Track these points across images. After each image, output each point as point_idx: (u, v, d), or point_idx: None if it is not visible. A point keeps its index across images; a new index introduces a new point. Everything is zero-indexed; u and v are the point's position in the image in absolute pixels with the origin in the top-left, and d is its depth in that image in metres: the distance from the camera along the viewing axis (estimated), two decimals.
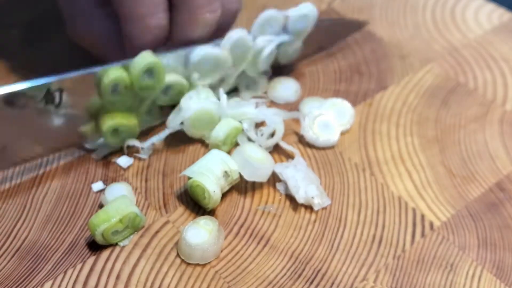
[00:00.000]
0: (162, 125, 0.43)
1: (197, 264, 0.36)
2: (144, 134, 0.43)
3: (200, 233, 0.36)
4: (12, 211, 0.38)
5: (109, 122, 0.40)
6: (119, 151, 0.42)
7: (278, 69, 0.49)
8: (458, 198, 0.41)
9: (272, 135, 0.43)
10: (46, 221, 0.38)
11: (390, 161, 0.43)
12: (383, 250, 0.37)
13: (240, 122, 0.43)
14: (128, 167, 0.41)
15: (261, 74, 0.47)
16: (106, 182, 0.40)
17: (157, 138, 0.42)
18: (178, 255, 0.36)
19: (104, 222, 0.35)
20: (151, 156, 0.42)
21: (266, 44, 0.44)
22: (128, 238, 0.37)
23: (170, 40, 0.43)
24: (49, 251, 0.36)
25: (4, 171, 0.41)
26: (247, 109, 0.43)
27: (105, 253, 0.36)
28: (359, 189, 0.41)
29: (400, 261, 0.37)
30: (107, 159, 0.42)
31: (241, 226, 0.38)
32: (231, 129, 0.42)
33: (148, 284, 0.35)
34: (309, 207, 0.39)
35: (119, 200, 0.36)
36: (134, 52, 0.40)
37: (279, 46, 0.46)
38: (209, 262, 0.36)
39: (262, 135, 0.42)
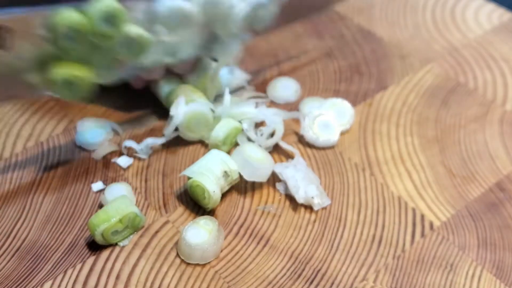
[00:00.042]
0: (159, 125, 0.43)
1: (197, 264, 0.36)
2: (143, 135, 0.43)
3: (200, 233, 0.36)
4: (12, 211, 0.38)
5: (61, 71, 0.36)
6: (119, 151, 0.42)
7: (278, 69, 0.49)
8: (458, 198, 0.41)
9: (272, 135, 0.43)
10: (46, 221, 0.38)
11: (390, 161, 0.43)
12: (383, 250, 0.37)
13: (240, 122, 0.43)
14: (128, 167, 0.41)
15: (235, 37, 0.44)
16: (106, 182, 0.40)
17: (153, 141, 0.42)
18: (178, 255, 0.36)
19: (104, 222, 0.35)
20: (151, 156, 0.42)
21: (240, 4, 0.41)
22: (128, 238, 0.37)
23: None
24: (49, 251, 0.36)
25: (4, 171, 0.41)
26: (247, 109, 0.43)
27: (105, 253, 0.36)
28: (359, 189, 0.41)
29: (400, 261, 0.37)
30: (107, 159, 0.42)
31: (241, 226, 0.38)
32: (231, 129, 0.42)
33: (148, 284, 0.35)
34: (309, 207, 0.39)
35: (119, 200, 0.36)
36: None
37: (255, 9, 0.43)
38: (209, 262, 0.36)
39: (262, 135, 0.42)
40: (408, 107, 0.47)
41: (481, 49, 0.53)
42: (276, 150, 0.43)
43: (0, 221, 0.38)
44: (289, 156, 0.43)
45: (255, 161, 0.39)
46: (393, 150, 0.44)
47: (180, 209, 0.39)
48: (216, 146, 0.41)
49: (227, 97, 0.42)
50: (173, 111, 0.41)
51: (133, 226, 0.37)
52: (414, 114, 0.46)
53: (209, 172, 0.38)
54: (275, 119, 0.42)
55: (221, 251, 0.37)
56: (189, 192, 0.39)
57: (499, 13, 0.56)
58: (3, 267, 0.35)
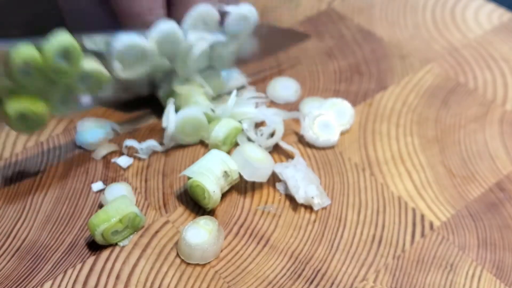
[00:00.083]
0: (159, 124, 0.43)
1: (197, 264, 0.36)
2: (143, 134, 0.43)
3: (200, 233, 0.36)
4: (12, 211, 0.38)
5: (16, 106, 0.36)
6: (119, 151, 0.42)
7: (278, 69, 0.49)
8: (458, 198, 0.41)
9: (272, 135, 0.43)
10: (46, 221, 0.38)
11: (390, 161, 0.43)
12: (383, 250, 0.37)
13: (240, 122, 0.43)
14: (128, 167, 0.41)
15: (196, 74, 0.44)
16: (106, 182, 0.40)
17: (153, 144, 0.42)
18: (178, 255, 0.36)
19: (104, 222, 0.35)
20: (151, 156, 0.42)
21: (198, 42, 0.41)
22: (128, 238, 0.37)
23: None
24: (49, 251, 0.36)
25: (4, 171, 0.41)
26: (247, 109, 0.43)
27: (105, 253, 0.36)
28: (359, 189, 0.41)
29: (400, 261, 0.37)
30: (107, 159, 0.42)
31: (241, 226, 0.38)
32: (231, 129, 0.42)
33: (148, 284, 0.35)
34: (309, 207, 0.39)
35: (119, 200, 0.36)
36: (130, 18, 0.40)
37: (214, 47, 0.43)
38: (209, 262, 0.36)
39: (262, 135, 0.42)
40: (408, 107, 0.47)
41: (481, 49, 0.53)
42: (276, 150, 0.43)
43: (0, 221, 0.38)
44: (289, 156, 0.43)
45: (255, 161, 0.39)
46: (393, 150, 0.44)
47: (180, 209, 0.39)
48: (216, 146, 0.41)
49: (232, 98, 0.42)
50: (164, 122, 0.41)
51: (133, 226, 0.37)
52: (414, 114, 0.46)
53: (209, 172, 0.38)
54: (275, 119, 0.42)
55: (221, 251, 0.37)
56: (189, 192, 0.39)
57: (499, 13, 0.56)
58: (3, 267, 0.35)
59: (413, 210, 0.40)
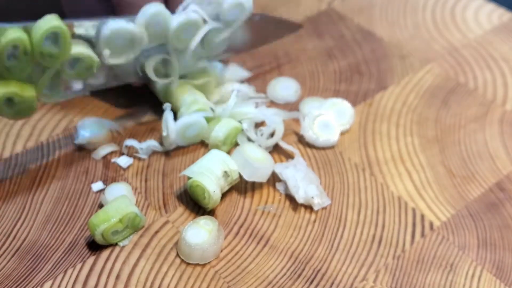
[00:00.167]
0: (160, 124, 0.43)
1: (197, 264, 0.36)
2: (143, 134, 0.43)
3: (200, 233, 0.36)
4: (12, 211, 0.38)
5: (3, 89, 0.35)
6: (119, 151, 0.42)
7: (278, 69, 0.49)
8: (458, 198, 0.41)
9: (272, 135, 0.43)
10: (46, 221, 0.38)
11: (390, 161, 0.43)
12: (383, 250, 0.37)
13: (240, 122, 0.43)
14: (128, 167, 0.41)
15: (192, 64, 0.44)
16: (106, 182, 0.40)
17: (153, 144, 0.42)
18: (178, 255, 0.36)
19: (104, 222, 0.35)
20: (151, 156, 0.42)
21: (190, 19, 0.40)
22: (128, 238, 0.37)
23: None
24: (49, 251, 0.36)
25: (4, 171, 0.41)
26: (247, 109, 0.43)
27: (105, 253, 0.36)
28: (359, 189, 0.41)
29: (400, 261, 0.37)
30: (107, 159, 0.42)
31: (241, 226, 0.38)
32: (231, 129, 0.42)
33: (148, 284, 0.35)
34: (309, 207, 0.39)
35: (119, 200, 0.36)
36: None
37: (206, 34, 0.42)
38: (209, 262, 0.36)
39: (262, 135, 0.42)
40: (408, 107, 0.47)
41: (481, 49, 0.53)
42: (276, 150, 0.43)
43: (0, 221, 0.38)
44: (289, 156, 0.43)
45: (255, 161, 0.39)
46: (393, 150, 0.44)
47: (180, 209, 0.39)
48: (216, 146, 0.41)
49: (232, 98, 0.42)
50: (164, 130, 0.41)
51: (133, 226, 0.37)
52: (414, 114, 0.46)
53: (209, 172, 0.38)
54: (275, 119, 0.42)
55: (221, 251, 0.37)
56: (189, 192, 0.39)
57: (499, 13, 0.56)
58: (3, 267, 0.35)
59: (413, 210, 0.40)
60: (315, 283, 0.35)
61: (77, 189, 0.40)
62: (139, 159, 0.42)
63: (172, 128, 0.41)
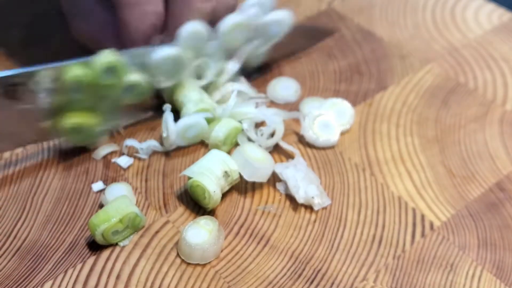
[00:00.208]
0: (160, 123, 0.43)
1: (197, 264, 0.36)
2: (143, 134, 0.43)
3: (200, 233, 0.36)
4: (12, 211, 0.38)
5: (70, 120, 0.40)
6: (119, 151, 0.42)
7: (278, 69, 0.49)
8: (458, 198, 0.41)
9: (272, 135, 0.43)
10: (46, 221, 0.38)
11: (390, 161, 0.43)
12: (383, 250, 0.37)
13: (240, 122, 0.43)
14: (128, 167, 0.41)
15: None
16: (106, 182, 0.40)
17: (154, 144, 0.42)
18: (178, 255, 0.36)
19: (104, 222, 0.35)
20: (151, 156, 0.42)
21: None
22: (128, 238, 0.37)
23: (166, 29, 0.43)
24: (49, 251, 0.36)
25: (4, 171, 0.41)
26: (247, 109, 0.43)
27: (105, 253, 0.36)
28: (359, 189, 0.41)
29: (400, 261, 0.37)
30: (107, 159, 0.42)
31: (241, 226, 0.38)
32: (231, 129, 0.42)
33: (148, 284, 0.35)
34: (309, 207, 0.39)
35: (119, 200, 0.36)
36: (129, 40, 0.41)
37: (246, 47, 0.45)
38: (209, 262, 0.36)
39: (262, 135, 0.42)
40: (408, 107, 0.47)
41: (481, 49, 0.53)
42: (276, 150, 0.43)
43: (1, 221, 0.38)
44: (289, 156, 0.43)
45: (255, 161, 0.39)
46: (393, 150, 0.44)
47: (180, 209, 0.39)
48: (216, 146, 0.41)
49: (232, 98, 0.43)
50: (164, 131, 0.41)
51: (133, 226, 0.37)
52: (414, 114, 0.46)
53: (209, 172, 0.38)
54: (275, 119, 0.42)
55: (221, 251, 0.37)
56: (189, 192, 0.39)
57: (499, 13, 0.56)
58: (4, 267, 0.35)
59: (413, 210, 0.40)
60: (315, 283, 0.35)
61: (77, 189, 0.40)
62: (139, 159, 0.42)
63: (172, 129, 0.41)
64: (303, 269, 0.36)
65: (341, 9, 0.56)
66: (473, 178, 0.42)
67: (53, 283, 0.35)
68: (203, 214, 0.39)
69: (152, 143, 0.42)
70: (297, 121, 0.45)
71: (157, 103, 0.44)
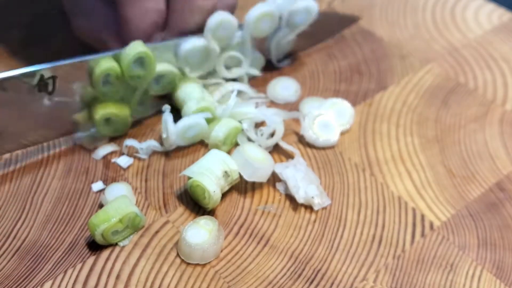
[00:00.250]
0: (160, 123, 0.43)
1: (197, 264, 0.36)
2: (143, 133, 0.43)
3: (200, 233, 0.36)
4: (12, 211, 0.38)
5: (101, 111, 0.41)
6: (119, 151, 0.42)
7: (278, 69, 0.49)
8: (458, 198, 0.41)
9: (272, 135, 0.43)
10: (46, 221, 0.38)
11: (390, 161, 0.43)
12: (383, 250, 0.37)
13: (240, 122, 0.43)
14: (128, 167, 0.41)
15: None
16: (106, 182, 0.40)
17: (154, 144, 0.42)
18: (178, 255, 0.36)
19: (104, 222, 0.35)
20: (151, 156, 0.42)
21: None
22: (128, 238, 0.37)
23: (167, 27, 0.43)
24: (49, 251, 0.36)
25: (4, 171, 0.41)
26: (247, 109, 0.43)
27: (105, 253, 0.36)
28: (359, 189, 0.41)
29: (400, 261, 0.37)
30: (107, 159, 0.42)
31: (241, 226, 0.38)
32: (231, 129, 0.42)
33: (148, 284, 0.35)
34: (309, 207, 0.39)
35: (119, 200, 0.36)
36: (131, 37, 0.41)
37: (273, 38, 0.47)
38: (209, 262, 0.36)
39: (262, 135, 0.42)
40: (408, 107, 0.47)
41: (481, 49, 0.53)
42: (276, 150, 0.43)
43: (0, 221, 0.38)
44: (289, 156, 0.43)
45: (255, 161, 0.39)
46: (393, 150, 0.44)
47: (180, 209, 0.39)
48: (216, 146, 0.41)
49: (232, 98, 0.43)
50: (164, 132, 0.41)
51: (133, 226, 0.37)
52: (414, 114, 0.46)
53: (209, 172, 0.38)
54: (275, 119, 0.42)
55: (221, 251, 0.37)
56: (189, 192, 0.39)
57: (499, 13, 0.56)
58: (4, 267, 0.35)
59: (413, 210, 0.40)
60: (315, 283, 0.35)
61: (77, 189, 0.40)
62: (139, 159, 0.42)
63: (171, 129, 0.41)
64: (303, 269, 0.36)
65: (341, 9, 0.56)
66: (473, 178, 0.42)
67: (52, 283, 0.35)
68: (203, 214, 0.39)
69: (152, 143, 0.42)
70: (297, 121, 0.45)
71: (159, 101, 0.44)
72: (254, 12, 0.44)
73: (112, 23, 0.43)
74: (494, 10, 0.57)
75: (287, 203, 0.40)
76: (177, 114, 0.43)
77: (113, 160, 0.42)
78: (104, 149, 0.42)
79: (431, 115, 0.46)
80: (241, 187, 0.40)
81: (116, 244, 0.37)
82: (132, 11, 0.41)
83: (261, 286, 0.35)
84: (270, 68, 0.49)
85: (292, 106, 0.46)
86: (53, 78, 0.39)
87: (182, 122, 0.41)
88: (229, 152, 0.41)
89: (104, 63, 0.39)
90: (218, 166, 0.38)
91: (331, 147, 0.43)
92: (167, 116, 0.41)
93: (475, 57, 0.52)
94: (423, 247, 0.38)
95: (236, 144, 0.43)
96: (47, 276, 0.35)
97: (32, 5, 0.54)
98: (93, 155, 0.42)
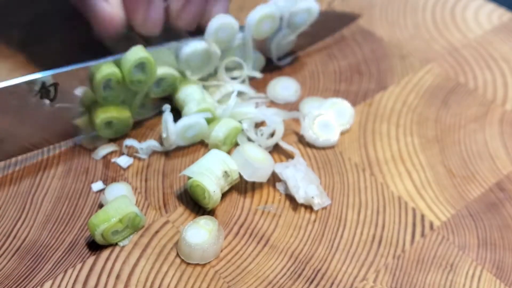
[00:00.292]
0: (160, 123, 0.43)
1: (197, 264, 0.36)
2: (143, 133, 0.43)
3: (200, 233, 0.36)
4: (12, 211, 0.38)
5: (102, 115, 0.41)
6: (119, 151, 0.42)
7: (278, 69, 0.49)
8: (458, 198, 0.41)
9: (272, 135, 0.43)
10: (46, 221, 0.38)
11: (390, 161, 0.43)
12: (383, 250, 0.37)
13: (240, 122, 0.43)
14: (128, 167, 0.41)
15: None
16: (106, 182, 0.40)
17: (153, 144, 0.42)
18: (178, 255, 0.36)
19: (104, 222, 0.35)
20: (151, 156, 0.42)
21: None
22: (128, 238, 0.37)
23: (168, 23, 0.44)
24: (49, 251, 0.36)
25: (4, 171, 0.41)
26: (247, 109, 0.43)
27: (105, 253, 0.36)
28: (359, 189, 0.41)
29: (400, 261, 0.37)
30: (107, 159, 0.42)
31: (241, 226, 0.38)
32: (231, 129, 0.42)
33: (148, 284, 0.35)
34: (309, 207, 0.39)
35: (119, 200, 0.36)
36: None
37: (274, 38, 0.47)
38: (209, 262, 0.36)
39: (262, 135, 0.42)
40: (408, 107, 0.47)
41: (481, 49, 0.53)
42: (276, 150, 0.43)
43: (0, 221, 0.38)
44: (289, 156, 0.43)
45: (255, 161, 0.39)
46: (393, 150, 0.44)
47: (180, 209, 0.39)
48: (216, 146, 0.41)
49: (233, 98, 0.43)
50: (164, 132, 0.41)
51: (133, 226, 0.37)
52: (414, 114, 0.46)
53: (209, 172, 0.38)
54: (275, 119, 0.42)
55: (221, 251, 0.37)
56: (189, 192, 0.39)
57: (499, 13, 0.56)
58: (4, 266, 0.35)
59: (413, 210, 0.40)
60: (315, 283, 0.35)
61: (77, 189, 0.40)
62: (139, 159, 0.42)
63: (171, 129, 0.41)
64: (303, 269, 0.36)
65: (341, 9, 0.56)
66: (473, 178, 0.42)
67: (52, 283, 0.35)
68: (203, 214, 0.39)
69: (152, 143, 0.42)
70: (297, 121, 0.45)
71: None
72: (256, 14, 0.44)
73: None
74: (494, 10, 0.57)
75: (287, 203, 0.40)
76: (178, 115, 0.43)
77: (113, 160, 0.42)
78: (104, 149, 0.42)
79: (431, 115, 0.46)
80: (241, 187, 0.40)
81: (116, 244, 0.37)
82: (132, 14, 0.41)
83: (261, 286, 0.35)
84: (270, 68, 0.49)
85: (292, 106, 0.46)
86: (55, 85, 0.39)
87: (182, 122, 0.41)
88: (229, 152, 0.41)
89: (105, 69, 0.40)
90: (218, 166, 0.38)
91: (331, 147, 0.43)
92: (167, 116, 0.41)
93: (475, 57, 0.52)
94: (423, 247, 0.38)
95: (236, 144, 0.43)
96: (47, 276, 0.35)
97: (32, 5, 0.54)
98: (93, 155, 0.42)
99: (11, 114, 0.39)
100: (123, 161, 0.41)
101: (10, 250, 0.36)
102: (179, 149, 0.43)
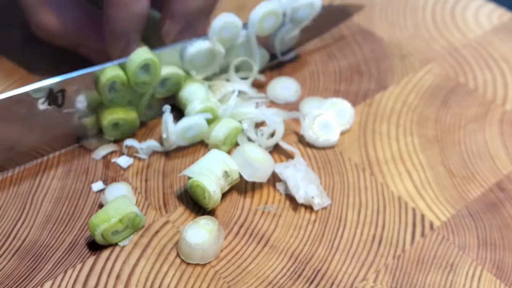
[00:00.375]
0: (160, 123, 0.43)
1: (197, 264, 0.36)
2: (143, 133, 0.43)
3: (200, 233, 0.36)
4: (12, 211, 0.38)
5: (109, 117, 0.41)
6: (119, 151, 0.42)
7: (278, 69, 0.49)
8: (458, 198, 0.41)
9: (272, 135, 0.43)
10: (46, 221, 0.38)
11: (390, 161, 0.43)
12: (383, 250, 0.37)
13: (240, 122, 0.43)
14: (128, 167, 0.41)
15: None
16: (106, 182, 0.40)
17: (154, 144, 0.42)
18: (178, 255, 0.36)
19: (104, 222, 0.35)
20: (151, 156, 0.42)
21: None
22: (128, 238, 0.37)
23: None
24: (49, 251, 0.36)
25: (4, 171, 0.41)
26: (247, 109, 0.43)
27: (105, 253, 0.36)
28: (359, 189, 0.41)
29: (400, 261, 0.37)
30: (107, 159, 0.42)
31: (241, 226, 0.38)
32: (231, 129, 0.42)
33: (148, 284, 0.35)
34: (309, 207, 0.39)
35: (119, 200, 0.36)
36: (113, 36, 0.41)
37: (277, 34, 0.47)
38: (209, 262, 0.36)
39: (262, 135, 0.42)
40: (408, 107, 0.47)
41: (481, 49, 0.53)
42: (276, 150, 0.43)
43: (0, 221, 0.38)
44: (289, 156, 0.43)
45: (255, 161, 0.39)
46: (393, 150, 0.44)
47: (180, 209, 0.39)
48: (216, 146, 0.41)
49: (233, 98, 0.43)
50: (164, 132, 0.41)
51: (133, 226, 0.37)
52: (414, 114, 0.46)
53: (209, 172, 0.38)
54: (275, 119, 0.42)
55: (221, 251, 0.37)
56: (189, 192, 0.39)
57: (499, 13, 0.56)
58: (4, 266, 0.35)
59: (413, 210, 0.40)
60: (315, 283, 0.35)
61: (77, 189, 0.40)
62: (139, 159, 0.42)
63: (171, 130, 0.41)
64: (303, 269, 0.36)
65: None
66: (473, 178, 0.42)
67: (52, 283, 0.35)
68: (203, 214, 0.39)
69: (152, 143, 0.42)
70: (297, 121, 0.45)
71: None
72: (259, 11, 0.44)
73: (91, 21, 0.42)
74: (494, 10, 0.57)
75: (287, 203, 0.40)
76: (180, 114, 0.43)
77: (113, 160, 0.42)
78: (104, 149, 0.42)
79: (431, 115, 0.46)
80: (241, 187, 0.40)
81: (116, 244, 0.37)
82: (118, 14, 0.40)
83: (261, 286, 0.35)
84: (270, 68, 0.49)
85: (292, 106, 0.46)
86: (62, 91, 0.39)
87: (182, 123, 0.41)
88: (229, 152, 0.41)
89: (109, 72, 0.40)
90: (218, 166, 0.38)
91: (331, 147, 0.43)
92: (167, 116, 0.41)
93: (475, 57, 0.52)
94: (423, 247, 0.38)
95: (236, 144, 0.43)
96: (47, 276, 0.35)
97: None
98: (93, 155, 0.42)
99: (19, 123, 0.39)
100: (123, 161, 0.41)
101: (10, 250, 0.36)
102: (179, 149, 0.43)
